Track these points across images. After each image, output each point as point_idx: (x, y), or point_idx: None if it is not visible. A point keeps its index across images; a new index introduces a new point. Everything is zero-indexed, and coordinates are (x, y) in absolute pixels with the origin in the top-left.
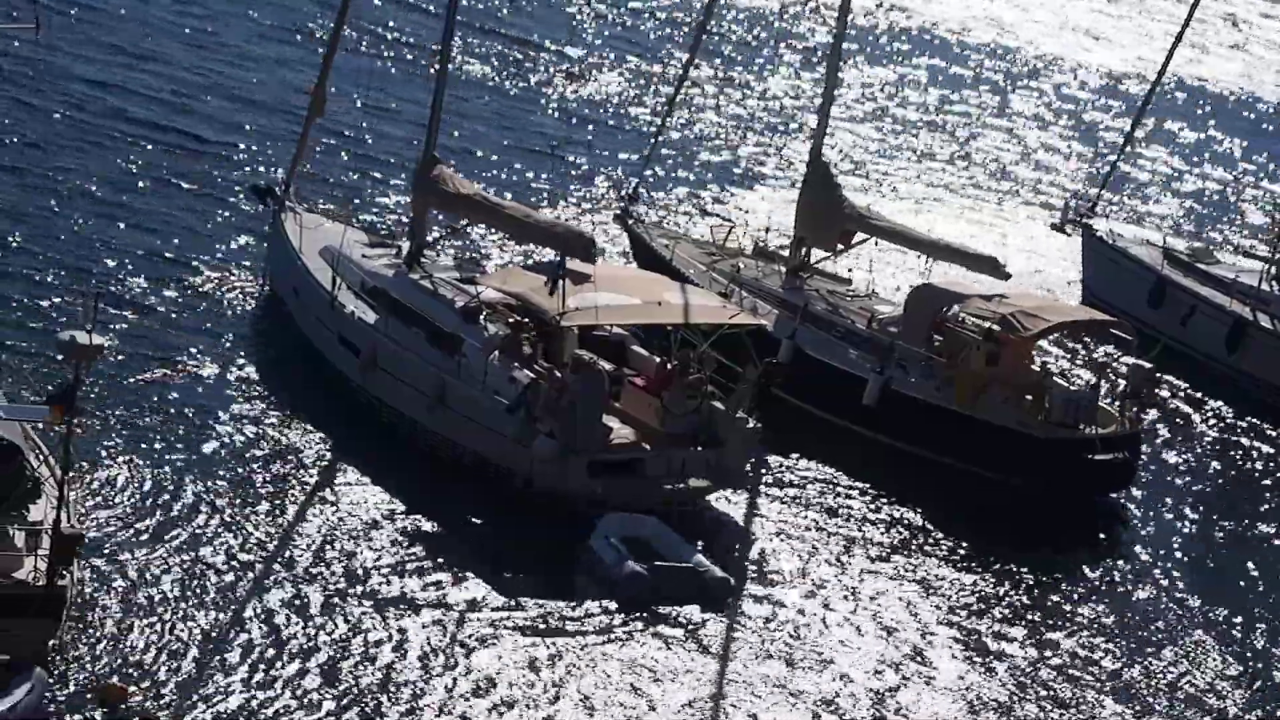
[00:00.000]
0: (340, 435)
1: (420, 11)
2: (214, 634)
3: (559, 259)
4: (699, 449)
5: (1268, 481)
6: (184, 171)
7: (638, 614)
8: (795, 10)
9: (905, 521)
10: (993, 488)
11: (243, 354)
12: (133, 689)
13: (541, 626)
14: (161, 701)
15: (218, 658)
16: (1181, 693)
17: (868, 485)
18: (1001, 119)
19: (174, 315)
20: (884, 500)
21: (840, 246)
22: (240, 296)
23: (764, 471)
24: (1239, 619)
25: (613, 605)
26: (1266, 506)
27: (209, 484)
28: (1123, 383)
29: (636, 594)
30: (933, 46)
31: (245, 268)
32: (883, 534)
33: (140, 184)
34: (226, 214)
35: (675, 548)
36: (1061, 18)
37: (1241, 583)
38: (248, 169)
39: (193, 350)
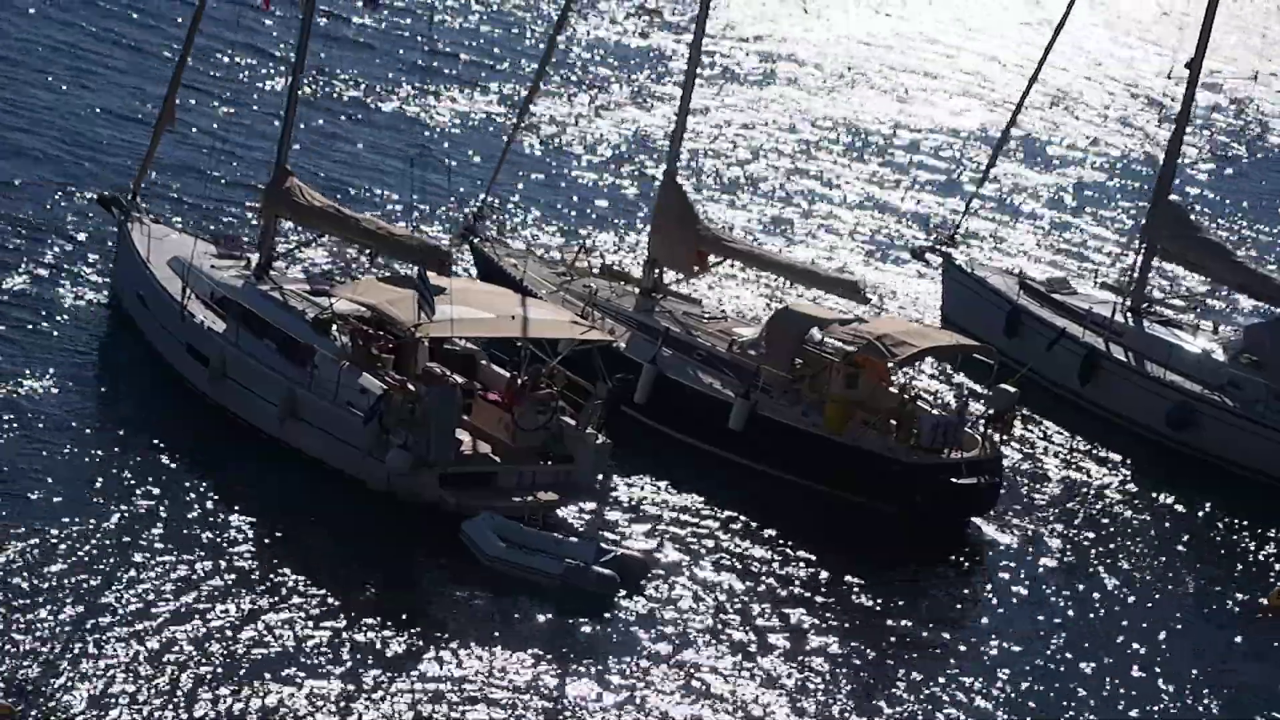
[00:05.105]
0: (189, 446)
1: (275, 22)
2: (78, 646)
3: (418, 272)
4: (549, 463)
5: (1119, 507)
6: (27, 183)
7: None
8: (652, 34)
9: (769, 545)
10: (859, 511)
11: (88, 365)
12: (18, 706)
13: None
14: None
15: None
16: (1039, 713)
17: (731, 509)
18: (862, 148)
19: (17, 327)
20: (748, 524)
21: (695, 269)
22: (86, 307)
23: (620, 491)
24: (1096, 635)
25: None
26: (1117, 529)
27: (59, 498)
28: (984, 407)
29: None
30: (794, 74)
31: (91, 279)
32: (745, 556)
33: None
34: (72, 225)
35: (553, 541)
36: (921, 48)
37: (1096, 602)
38: (93, 180)
39: (38, 361)
